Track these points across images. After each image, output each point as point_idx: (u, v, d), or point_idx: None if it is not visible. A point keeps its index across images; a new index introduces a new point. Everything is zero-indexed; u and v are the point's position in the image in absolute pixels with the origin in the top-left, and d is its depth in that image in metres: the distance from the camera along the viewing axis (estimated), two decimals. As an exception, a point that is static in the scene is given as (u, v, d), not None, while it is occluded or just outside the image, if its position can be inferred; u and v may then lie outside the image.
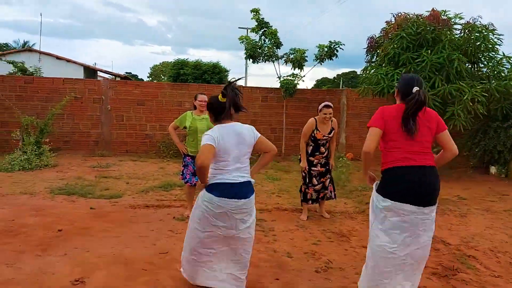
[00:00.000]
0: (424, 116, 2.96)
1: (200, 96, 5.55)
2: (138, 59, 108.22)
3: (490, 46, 8.39)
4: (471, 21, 8.60)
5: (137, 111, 11.35)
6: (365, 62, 10.35)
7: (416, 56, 8.40)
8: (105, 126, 11.23)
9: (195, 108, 5.61)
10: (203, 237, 3.17)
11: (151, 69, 61.32)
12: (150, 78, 57.66)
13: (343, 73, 63.76)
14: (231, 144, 3.14)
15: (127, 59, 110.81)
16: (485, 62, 8.72)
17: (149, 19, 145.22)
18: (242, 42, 10.62)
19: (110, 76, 26.80)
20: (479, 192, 7.88)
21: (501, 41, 8.51)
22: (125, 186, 7.33)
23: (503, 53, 8.66)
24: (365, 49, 10.09)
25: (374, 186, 3.21)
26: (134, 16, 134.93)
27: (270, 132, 11.89)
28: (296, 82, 10.55)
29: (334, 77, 64.57)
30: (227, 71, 22.23)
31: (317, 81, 63.72)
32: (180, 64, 20.67)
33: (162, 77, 53.30)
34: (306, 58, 10.44)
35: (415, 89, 2.93)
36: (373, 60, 10.07)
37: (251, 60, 10.60)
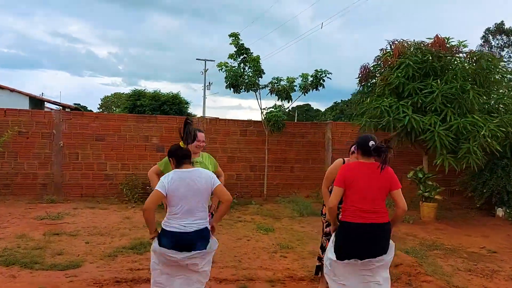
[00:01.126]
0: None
1: (198, 134, 4.19)
2: (88, 90, 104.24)
3: (500, 76, 7.66)
4: (476, 49, 7.87)
5: (95, 148, 9.67)
6: (355, 93, 9.43)
7: (423, 87, 7.51)
8: (56, 166, 9.43)
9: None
10: (160, 267, 3.24)
11: (102, 100, 58.84)
12: (101, 110, 55.06)
13: (298, 106, 64.32)
14: (183, 191, 3.15)
15: (75, 90, 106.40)
16: (494, 94, 7.96)
17: (99, 50, 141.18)
18: (221, 69, 9.39)
19: (58, 107, 24.60)
20: (502, 241, 6.91)
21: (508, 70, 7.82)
22: (84, 247, 5.67)
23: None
24: (358, 79, 9.17)
25: None
26: (84, 47, 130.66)
27: (250, 170, 10.56)
28: (283, 115, 9.35)
29: (289, 110, 64.84)
30: (187, 102, 21.42)
31: (271, 111, 63.57)
32: (137, 95, 19.52)
33: (114, 108, 51.04)
34: (295, 87, 9.34)
35: (371, 143, 3.28)
36: (366, 90, 9.16)
37: (232, 89, 9.34)
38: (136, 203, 9.10)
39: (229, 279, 4.64)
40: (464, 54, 8.03)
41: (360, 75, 8.95)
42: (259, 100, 9.90)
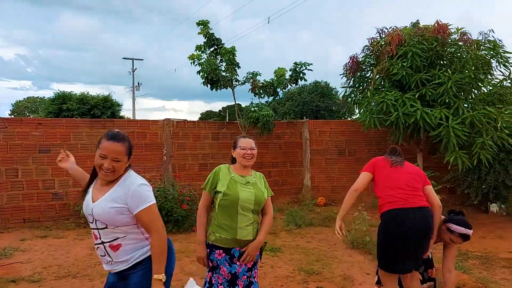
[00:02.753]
0: None
1: (244, 141, 3.05)
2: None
3: (503, 63, 7.20)
4: (480, 36, 7.38)
5: (39, 162, 7.90)
6: (344, 87, 8.63)
7: (430, 78, 6.87)
8: (-11, 186, 7.54)
9: (233, 161, 3.07)
10: None
11: (13, 106, 53.39)
12: (13, 116, 49.92)
13: (228, 106, 63.17)
14: None
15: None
16: (493, 83, 7.49)
17: (5, 52, 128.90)
18: (193, 62, 8.08)
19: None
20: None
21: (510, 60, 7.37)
22: (59, 300, 4.19)
23: (503, 73, 7.57)
24: (345, 72, 8.38)
25: None
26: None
27: (224, 178, 9.34)
28: (271, 114, 8.24)
29: (219, 110, 63.67)
30: (119, 104, 19.86)
31: (202, 114, 62.02)
32: (62, 98, 17.66)
33: (28, 114, 46.56)
34: (285, 81, 8.30)
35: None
36: (355, 84, 8.40)
37: (209, 86, 8.07)
38: (96, 226, 7.52)
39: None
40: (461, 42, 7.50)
41: (349, 67, 8.15)
42: (235, 98, 8.75)
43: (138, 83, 39.46)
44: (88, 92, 18.77)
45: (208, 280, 2.95)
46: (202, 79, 7.99)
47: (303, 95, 26.67)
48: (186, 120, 9.27)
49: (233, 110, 52.95)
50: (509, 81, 7.23)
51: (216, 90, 8.13)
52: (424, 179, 3.28)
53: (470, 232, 3.24)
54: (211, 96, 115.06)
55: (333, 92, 29.00)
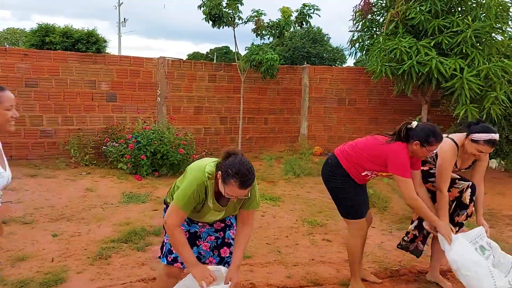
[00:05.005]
0: None
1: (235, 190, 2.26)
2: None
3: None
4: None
5: (26, 96, 7.40)
6: (352, 31, 8.16)
7: (448, 24, 6.45)
8: (-28, 120, 7.08)
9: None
10: None
11: (-10, 37, 50.90)
12: (-9, 47, 47.69)
13: (216, 48, 61.02)
14: None
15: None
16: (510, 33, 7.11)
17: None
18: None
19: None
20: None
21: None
22: (54, 244, 3.96)
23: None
24: (354, 14, 7.88)
25: None
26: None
27: (220, 123, 9.03)
28: (276, 58, 7.73)
29: (207, 52, 61.79)
30: (105, 41, 18.85)
31: (189, 55, 60.17)
32: (45, 30, 16.54)
33: (7, 46, 44.56)
34: (292, 23, 7.76)
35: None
36: (364, 28, 7.93)
37: (211, 22, 7.50)
38: (88, 167, 7.24)
39: (289, 286, 3.36)
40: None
41: (360, 9, 7.64)
42: (235, 38, 8.20)
43: (124, 19, 37.70)
44: (72, 26, 17.82)
45: (165, 241, 2.59)
46: (204, 14, 7.38)
47: (294, 40, 25.85)
48: (182, 59, 8.76)
49: (220, 52, 50.27)
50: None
51: (218, 28, 7.55)
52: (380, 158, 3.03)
53: (495, 136, 2.96)
54: (199, 37, 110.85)
55: (325, 39, 28.21)
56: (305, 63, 13.12)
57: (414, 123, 2.97)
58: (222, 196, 2.33)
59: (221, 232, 2.63)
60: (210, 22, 7.52)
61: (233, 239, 2.60)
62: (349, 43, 8.11)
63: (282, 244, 4.26)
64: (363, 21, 7.77)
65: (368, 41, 7.84)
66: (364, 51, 7.96)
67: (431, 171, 3.28)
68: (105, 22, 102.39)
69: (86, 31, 17.10)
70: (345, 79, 9.63)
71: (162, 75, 8.32)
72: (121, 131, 7.58)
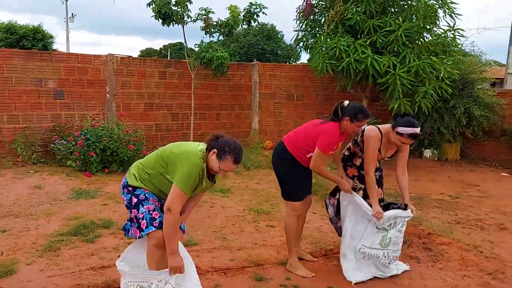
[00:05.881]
0: None
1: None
2: None
3: (449, 13, 7.38)
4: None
5: (-33, 94, 7.23)
6: (296, 30, 8.54)
7: (382, 24, 6.96)
8: None
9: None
10: None
11: None
12: None
13: (170, 44, 60.19)
14: None
15: None
16: (437, 33, 7.67)
17: None
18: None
19: None
20: (452, 185, 7.08)
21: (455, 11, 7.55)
22: (4, 239, 4.02)
23: (449, 24, 7.75)
24: (298, 14, 8.26)
25: None
26: None
27: (171, 119, 9.15)
28: (226, 56, 7.96)
29: (160, 48, 60.93)
30: (52, 36, 18.30)
31: (141, 51, 59.08)
32: None
33: None
34: (240, 21, 8.00)
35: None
36: (307, 28, 8.33)
37: (160, 20, 7.60)
38: (36, 165, 7.18)
39: (233, 268, 3.63)
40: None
41: (303, 10, 8.02)
42: (185, 36, 8.36)
43: (72, 14, 36.49)
44: (16, 21, 17.14)
45: (133, 216, 2.68)
46: (154, 12, 7.49)
47: (249, 37, 26.15)
48: (131, 56, 8.78)
49: (175, 49, 49.42)
50: (453, 31, 7.48)
51: (168, 26, 7.68)
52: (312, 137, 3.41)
53: (417, 130, 3.31)
54: (152, 32, 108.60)
55: (279, 36, 28.69)
56: (255, 60, 13.39)
57: (346, 102, 3.37)
58: (210, 174, 2.64)
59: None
60: (160, 20, 7.62)
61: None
62: (294, 42, 8.48)
63: (228, 231, 4.53)
64: (306, 21, 8.15)
65: (311, 40, 8.25)
66: (308, 50, 8.36)
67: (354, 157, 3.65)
68: (52, 17, 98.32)
69: (32, 27, 16.53)
70: (293, 75, 10.04)
71: (111, 72, 8.34)
72: (69, 129, 7.56)
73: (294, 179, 3.52)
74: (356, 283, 3.41)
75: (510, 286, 3.46)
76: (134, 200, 2.70)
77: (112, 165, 7.03)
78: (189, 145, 2.68)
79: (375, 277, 3.52)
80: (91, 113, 7.91)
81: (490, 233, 4.76)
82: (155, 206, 2.69)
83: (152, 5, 7.46)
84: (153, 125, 8.96)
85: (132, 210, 2.69)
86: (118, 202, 5.21)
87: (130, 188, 2.74)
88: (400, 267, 3.63)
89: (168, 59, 39.95)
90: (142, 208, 2.66)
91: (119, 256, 2.78)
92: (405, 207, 3.51)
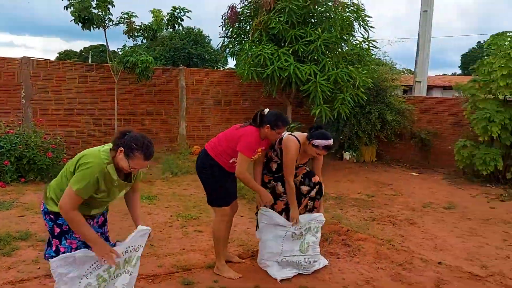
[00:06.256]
0: None
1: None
2: None
3: (364, 25, 7.95)
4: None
5: None
6: (223, 37, 8.68)
7: (303, 34, 7.32)
8: None
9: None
10: None
11: None
12: None
13: (91, 46, 57.66)
14: None
15: None
16: (353, 43, 8.22)
17: None
18: (59, -5, 7.22)
19: None
20: (368, 185, 7.60)
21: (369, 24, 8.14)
22: None
23: (363, 35, 8.34)
24: (223, 22, 8.41)
25: None
26: None
27: (94, 125, 8.83)
28: (151, 60, 7.83)
29: (81, 50, 58.27)
30: None
31: (60, 53, 56.08)
32: None
33: None
34: (164, 26, 7.92)
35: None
36: (233, 35, 8.51)
37: (80, 24, 7.31)
38: None
39: (161, 274, 3.64)
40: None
41: (228, 18, 8.19)
42: (106, 40, 8.13)
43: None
44: None
45: (54, 249, 2.57)
46: (73, 16, 7.19)
47: (175, 41, 25.87)
48: (49, 60, 8.37)
49: (96, 51, 47.31)
50: (367, 43, 8.07)
51: (89, 30, 7.42)
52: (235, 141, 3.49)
53: (331, 142, 3.51)
54: (71, 34, 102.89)
55: (206, 40, 28.71)
56: (181, 65, 13.33)
57: (266, 110, 3.50)
58: (120, 175, 2.52)
59: (103, 228, 2.79)
60: (80, 24, 7.35)
61: (107, 232, 2.84)
62: (220, 48, 8.61)
63: (155, 238, 4.46)
64: (232, 28, 8.33)
65: (237, 47, 8.43)
66: (234, 56, 8.53)
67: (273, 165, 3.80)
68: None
69: None
70: (220, 81, 10.16)
71: (26, 76, 7.87)
72: (-21, 136, 7.00)
73: (220, 185, 3.58)
74: (281, 280, 3.58)
75: (417, 275, 3.83)
76: (57, 230, 2.54)
77: (29, 174, 6.63)
78: (92, 148, 2.55)
79: (299, 273, 3.72)
80: (4, 119, 7.40)
81: (401, 228, 5.20)
82: (78, 242, 2.56)
83: (70, 8, 7.16)
84: (74, 131, 8.58)
85: (54, 240, 2.56)
86: (36, 212, 4.94)
87: (52, 216, 2.53)
88: (321, 261, 3.87)
89: (90, 62, 38.20)
90: (65, 242, 2.54)
91: (39, 268, 2.67)
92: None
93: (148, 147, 2.45)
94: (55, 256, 2.51)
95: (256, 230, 3.93)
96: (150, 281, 3.50)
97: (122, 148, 2.42)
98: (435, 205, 6.32)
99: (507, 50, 7.07)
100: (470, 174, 7.93)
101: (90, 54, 51.88)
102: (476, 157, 7.38)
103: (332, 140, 3.54)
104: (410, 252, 4.36)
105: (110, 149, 2.51)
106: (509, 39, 7.36)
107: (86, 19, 7.24)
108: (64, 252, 2.52)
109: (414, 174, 8.73)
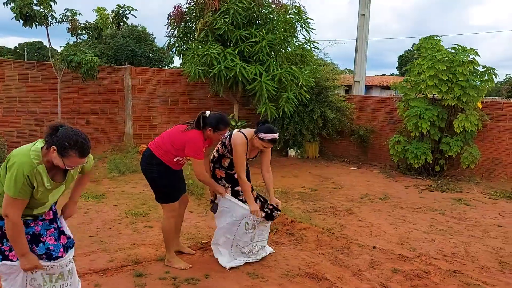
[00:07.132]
0: None
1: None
2: None
3: (305, 27, 8.35)
4: (288, 1, 8.36)
5: None
6: (169, 36, 8.75)
7: (248, 35, 7.58)
8: None
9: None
10: None
11: None
12: None
13: (26, 43, 54.89)
14: None
15: None
16: (296, 44, 8.61)
17: None
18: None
19: None
20: (312, 179, 8.00)
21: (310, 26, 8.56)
22: None
23: (305, 36, 8.75)
24: (169, 21, 8.49)
25: None
26: None
27: (35, 125, 8.59)
28: (96, 60, 7.73)
29: (15, 47, 55.29)
30: None
31: (-8, 50, 52.81)
32: None
33: None
34: (110, 23, 7.84)
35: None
36: (179, 34, 8.61)
37: (21, 21, 7.07)
38: None
39: (112, 268, 3.73)
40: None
41: (173, 17, 8.27)
42: (49, 37, 7.95)
43: None
44: None
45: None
46: (14, 13, 6.95)
47: (117, 39, 25.25)
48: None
49: (32, 48, 44.97)
50: (309, 44, 8.48)
51: (30, 27, 7.21)
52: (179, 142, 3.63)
53: (276, 135, 3.76)
54: (3, 29, 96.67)
55: (150, 39, 28.25)
56: (126, 63, 13.16)
57: (208, 113, 3.66)
58: (57, 171, 2.39)
59: (55, 223, 2.69)
60: (21, 21, 7.13)
61: (62, 227, 2.75)
62: (166, 48, 8.67)
63: (105, 235, 4.56)
64: (178, 27, 8.42)
65: (184, 46, 8.53)
66: (181, 55, 8.63)
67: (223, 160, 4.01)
68: None
69: None
70: (167, 80, 10.20)
71: (-40, 73, 7.52)
72: None
73: (167, 182, 3.72)
74: (230, 268, 3.80)
75: (354, 258, 4.20)
76: None
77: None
78: (22, 147, 2.42)
79: (246, 262, 3.95)
80: None
81: (341, 217, 5.60)
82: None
83: (10, 4, 6.94)
84: (14, 131, 8.31)
85: None
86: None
87: None
88: (267, 249, 4.14)
89: (26, 59, 36.31)
90: (7, 242, 2.46)
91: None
92: (271, 212, 4.00)
93: (83, 145, 2.29)
94: None
95: (212, 210, 4.11)
96: (102, 274, 3.58)
97: (54, 147, 2.26)
98: (371, 196, 6.82)
99: (433, 53, 7.73)
100: (403, 168, 8.57)
101: (25, 51, 49.22)
102: (409, 151, 8.00)
103: (277, 134, 3.79)
104: (348, 238, 4.74)
105: (42, 146, 2.37)
106: (435, 42, 8.04)
107: (28, 16, 7.04)
108: (9, 250, 2.48)
109: (353, 168, 9.27)
